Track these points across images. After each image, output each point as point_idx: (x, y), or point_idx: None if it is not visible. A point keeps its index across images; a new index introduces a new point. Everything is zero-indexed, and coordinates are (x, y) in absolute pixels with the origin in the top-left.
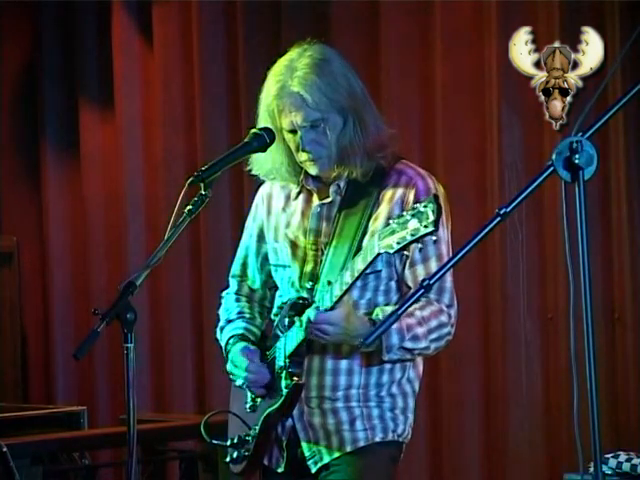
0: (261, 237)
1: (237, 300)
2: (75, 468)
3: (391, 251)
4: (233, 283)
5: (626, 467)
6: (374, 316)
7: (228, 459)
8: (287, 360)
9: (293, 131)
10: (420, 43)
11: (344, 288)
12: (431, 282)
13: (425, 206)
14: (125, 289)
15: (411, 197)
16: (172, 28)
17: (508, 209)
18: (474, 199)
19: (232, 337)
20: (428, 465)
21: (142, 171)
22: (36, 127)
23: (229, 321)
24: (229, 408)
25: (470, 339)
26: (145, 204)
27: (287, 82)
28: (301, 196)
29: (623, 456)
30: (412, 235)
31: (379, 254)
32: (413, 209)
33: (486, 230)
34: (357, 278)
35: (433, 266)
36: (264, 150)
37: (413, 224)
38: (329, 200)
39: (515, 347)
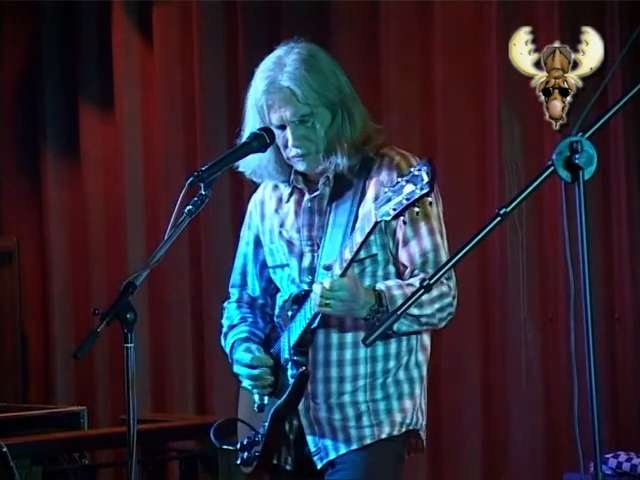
0: (258, 243)
1: (239, 307)
2: (75, 468)
3: (388, 218)
4: (234, 293)
5: (626, 467)
6: (377, 287)
7: (239, 461)
8: (292, 350)
9: (282, 127)
10: (420, 43)
11: (344, 265)
12: (431, 282)
13: (419, 169)
14: (125, 289)
15: (395, 176)
16: (172, 28)
17: (508, 209)
18: (474, 199)
19: (236, 341)
20: (428, 465)
21: (142, 171)
22: (36, 127)
23: (232, 327)
24: (237, 411)
25: (470, 339)
26: (145, 204)
27: (277, 77)
28: (293, 197)
29: (623, 456)
30: (407, 199)
31: (377, 223)
32: (407, 174)
33: (486, 230)
34: (357, 251)
35: (426, 242)
36: (264, 150)
37: (408, 188)
38: (318, 192)
39: (515, 348)
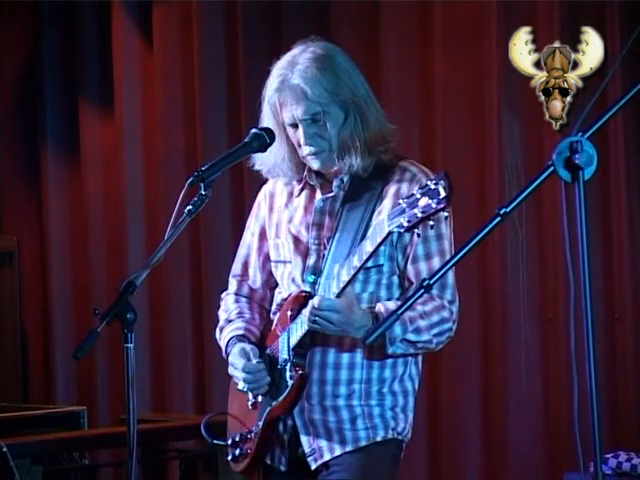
0: (263, 235)
1: (237, 301)
2: (75, 468)
3: (402, 230)
4: (233, 283)
5: (626, 467)
6: (376, 310)
7: (229, 457)
8: (291, 352)
9: (294, 125)
10: (420, 43)
11: (352, 272)
12: (431, 282)
13: (436, 184)
14: (125, 289)
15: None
16: (172, 28)
17: (508, 209)
18: (474, 199)
19: (232, 338)
20: (428, 465)
21: (142, 171)
22: (36, 127)
23: (228, 321)
24: (228, 407)
25: (470, 339)
26: (145, 204)
27: (288, 75)
28: (304, 192)
29: (623, 456)
30: (423, 212)
31: (389, 233)
32: (423, 187)
33: (486, 230)
34: (367, 260)
35: (436, 262)
36: (264, 150)
37: (423, 201)
38: (332, 194)
39: (515, 347)
